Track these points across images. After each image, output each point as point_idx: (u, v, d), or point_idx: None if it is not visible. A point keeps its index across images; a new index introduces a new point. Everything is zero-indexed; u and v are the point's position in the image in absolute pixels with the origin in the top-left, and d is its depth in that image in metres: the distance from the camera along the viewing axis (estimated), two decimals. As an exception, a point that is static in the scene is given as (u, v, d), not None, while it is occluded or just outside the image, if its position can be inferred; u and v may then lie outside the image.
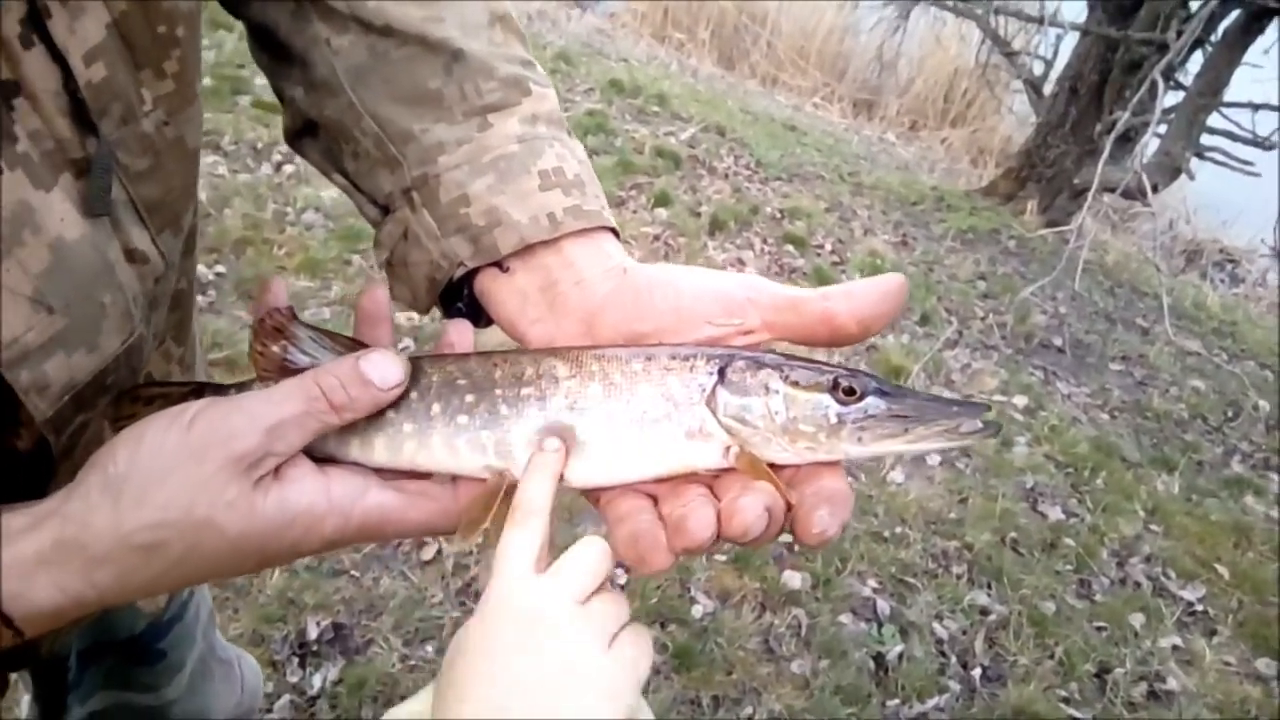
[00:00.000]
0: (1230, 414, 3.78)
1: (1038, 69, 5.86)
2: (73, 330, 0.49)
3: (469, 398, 0.53)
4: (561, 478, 0.52)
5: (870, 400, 0.50)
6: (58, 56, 0.46)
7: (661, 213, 4.04)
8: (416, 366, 0.54)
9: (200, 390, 0.56)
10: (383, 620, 2.05)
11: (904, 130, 7.55)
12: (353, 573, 2.14)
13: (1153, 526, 2.97)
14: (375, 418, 0.53)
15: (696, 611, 2.26)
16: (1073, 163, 5.24)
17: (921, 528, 2.69)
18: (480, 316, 0.61)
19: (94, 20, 0.47)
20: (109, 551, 0.46)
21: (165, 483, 0.46)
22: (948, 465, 2.97)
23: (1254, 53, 4.87)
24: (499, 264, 0.57)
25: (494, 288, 0.58)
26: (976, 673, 2.32)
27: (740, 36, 7.77)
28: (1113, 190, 4.22)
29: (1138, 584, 2.72)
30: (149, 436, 0.47)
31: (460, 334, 0.58)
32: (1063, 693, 2.31)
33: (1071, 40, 5.48)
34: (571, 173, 0.58)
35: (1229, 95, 5.08)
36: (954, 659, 2.34)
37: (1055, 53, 5.84)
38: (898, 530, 2.66)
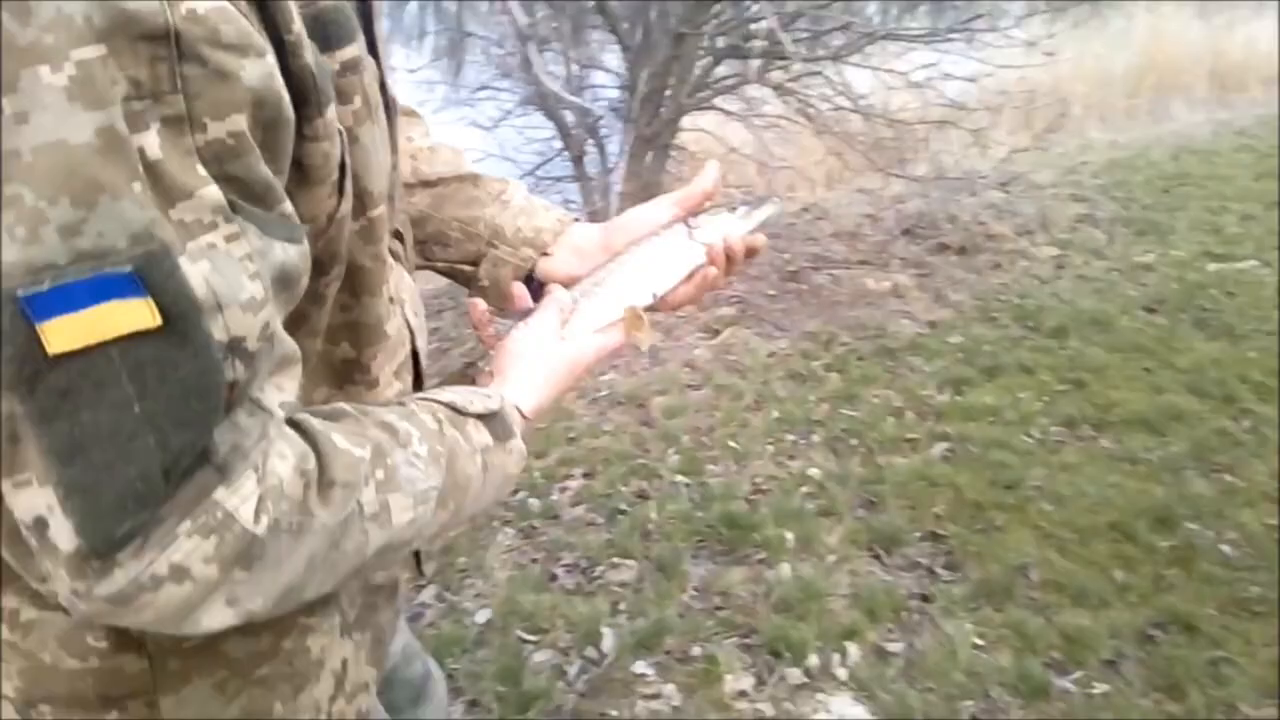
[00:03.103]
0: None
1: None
2: None
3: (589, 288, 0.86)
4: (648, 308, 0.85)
5: (767, 205, 0.88)
6: None
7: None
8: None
9: None
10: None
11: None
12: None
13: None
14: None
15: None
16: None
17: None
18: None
19: None
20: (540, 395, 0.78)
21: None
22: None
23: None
24: (545, 251, 0.91)
25: (546, 265, 0.91)
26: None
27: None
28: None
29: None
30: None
31: (521, 291, 0.88)
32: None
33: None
34: (542, 206, 0.94)
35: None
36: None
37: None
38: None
